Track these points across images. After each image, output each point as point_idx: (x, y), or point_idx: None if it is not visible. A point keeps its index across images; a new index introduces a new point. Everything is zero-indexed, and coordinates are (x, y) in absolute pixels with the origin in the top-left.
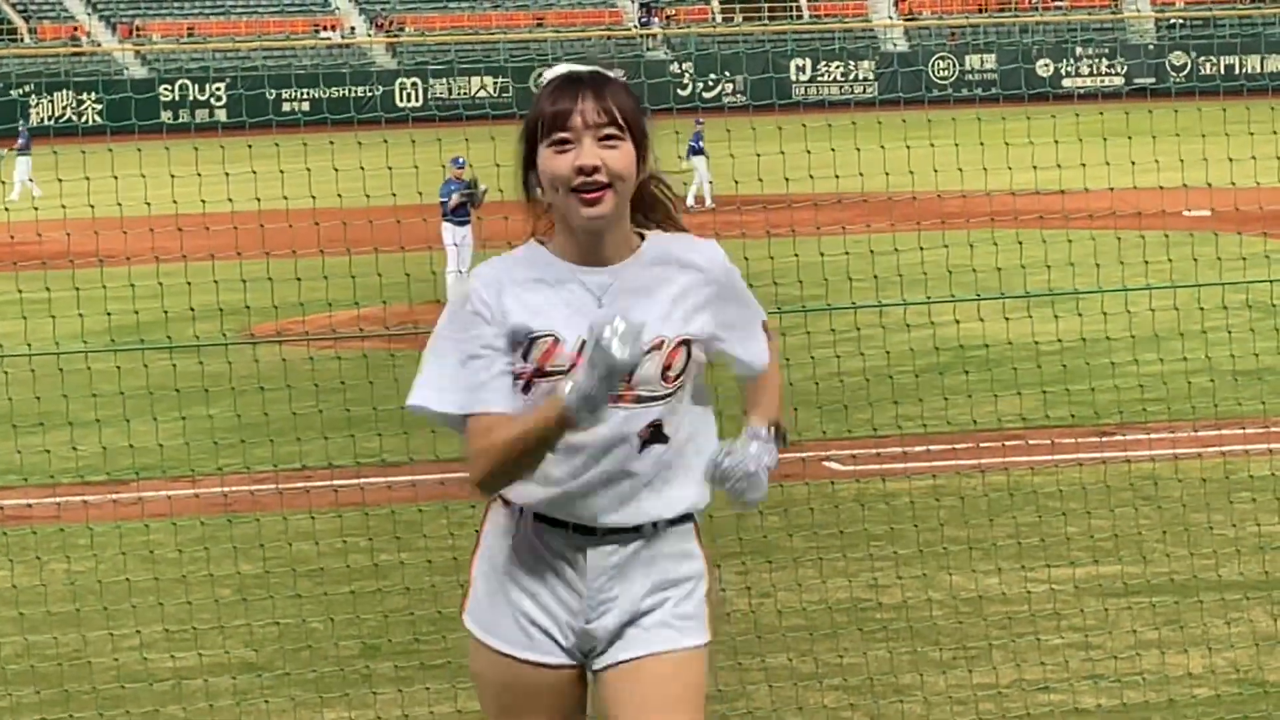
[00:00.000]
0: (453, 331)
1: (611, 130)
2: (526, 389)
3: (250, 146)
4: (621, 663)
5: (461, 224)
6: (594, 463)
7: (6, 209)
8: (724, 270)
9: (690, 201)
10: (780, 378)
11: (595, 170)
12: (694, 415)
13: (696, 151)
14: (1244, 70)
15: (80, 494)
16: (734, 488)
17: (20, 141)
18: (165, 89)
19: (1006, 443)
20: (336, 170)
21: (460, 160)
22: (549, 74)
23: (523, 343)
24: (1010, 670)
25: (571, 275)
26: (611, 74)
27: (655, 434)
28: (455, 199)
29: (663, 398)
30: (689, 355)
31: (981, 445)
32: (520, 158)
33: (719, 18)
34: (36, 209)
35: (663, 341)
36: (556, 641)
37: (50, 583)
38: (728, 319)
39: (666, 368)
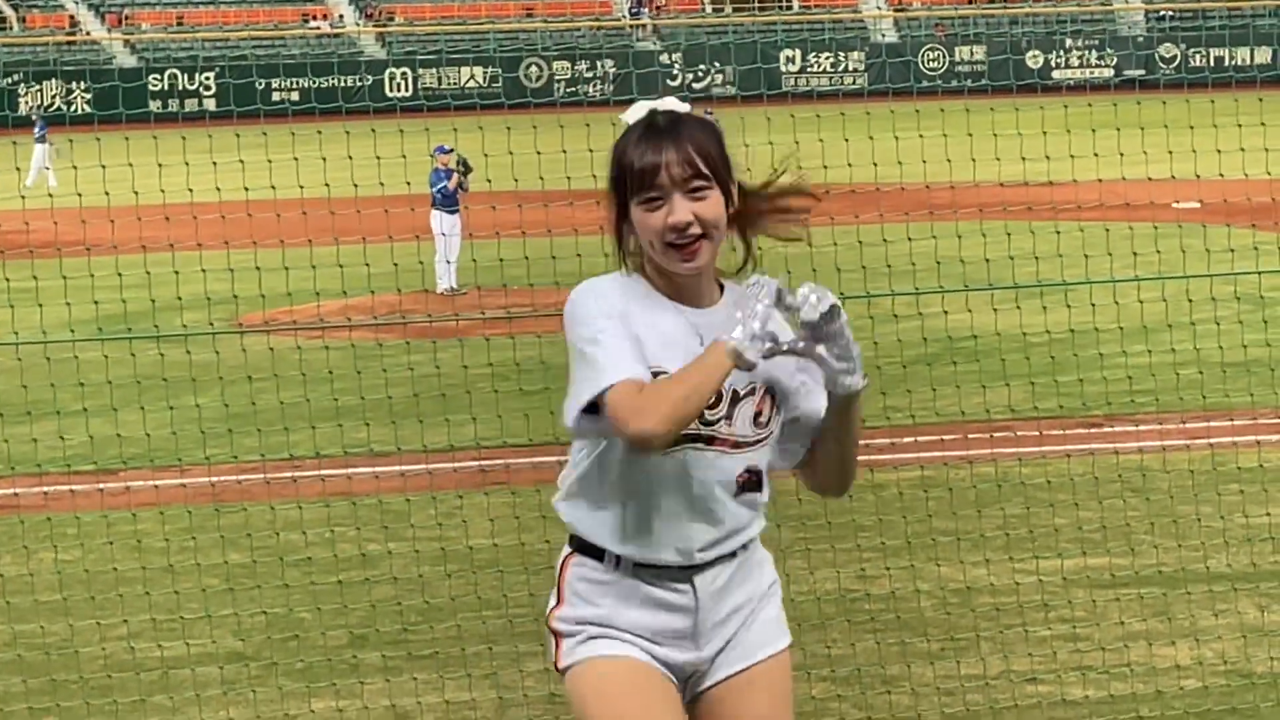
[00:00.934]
0: (600, 326)
1: (700, 183)
2: None
3: (238, 136)
4: (733, 675)
5: (451, 213)
6: (689, 504)
7: (23, 196)
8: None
9: None
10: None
11: (689, 225)
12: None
13: None
14: (1233, 62)
15: (67, 483)
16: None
17: (37, 131)
18: (154, 78)
19: (994, 434)
20: (324, 160)
21: (444, 147)
22: (627, 117)
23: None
24: (998, 661)
25: (674, 308)
26: (687, 111)
27: (753, 482)
28: (455, 179)
29: (754, 443)
30: (774, 400)
31: (969, 437)
32: (612, 210)
33: (709, 8)
34: (51, 196)
35: (754, 387)
36: (669, 665)
37: (37, 572)
38: (803, 386)
39: (758, 414)
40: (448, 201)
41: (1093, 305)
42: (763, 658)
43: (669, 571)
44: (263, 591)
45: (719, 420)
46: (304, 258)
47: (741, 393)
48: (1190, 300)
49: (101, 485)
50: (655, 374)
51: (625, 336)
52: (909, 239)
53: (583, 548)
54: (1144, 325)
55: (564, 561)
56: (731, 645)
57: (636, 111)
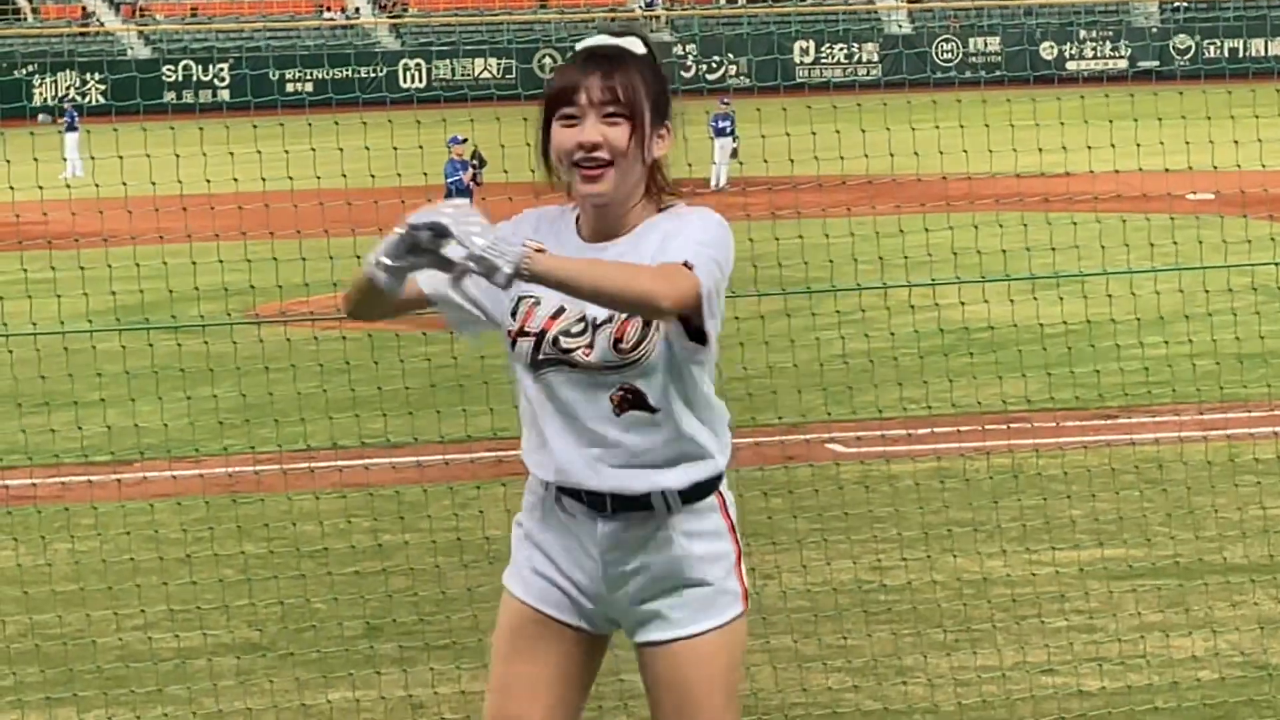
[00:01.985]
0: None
1: (615, 108)
2: (513, 346)
3: (255, 127)
4: (658, 643)
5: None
6: (570, 422)
7: (69, 186)
8: (700, 218)
9: (718, 183)
10: (628, 279)
11: (596, 147)
12: (696, 394)
13: (719, 132)
14: (1249, 53)
15: (85, 474)
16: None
17: (66, 119)
18: (169, 69)
19: (1011, 425)
20: (341, 150)
21: (458, 137)
22: (580, 45)
23: (514, 300)
24: (1014, 653)
25: (575, 243)
26: (637, 50)
27: (635, 401)
28: (470, 172)
29: (619, 367)
30: (646, 324)
31: (986, 427)
32: (539, 130)
33: (722, 0)
34: (68, 186)
35: (614, 314)
36: (576, 604)
37: (55, 562)
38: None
39: (618, 339)
40: (463, 193)
41: (1109, 296)
42: (693, 632)
43: (580, 504)
44: (279, 582)
45: (577, 348)
46: (321, 248)
47: (600, 320)
48: (1207, 291)
49: (118, 476)
50: (525, 297)
51: None
52: (925, 230)
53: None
54: (1160, 316)
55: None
56: (661, 609)
57: (589, 40)
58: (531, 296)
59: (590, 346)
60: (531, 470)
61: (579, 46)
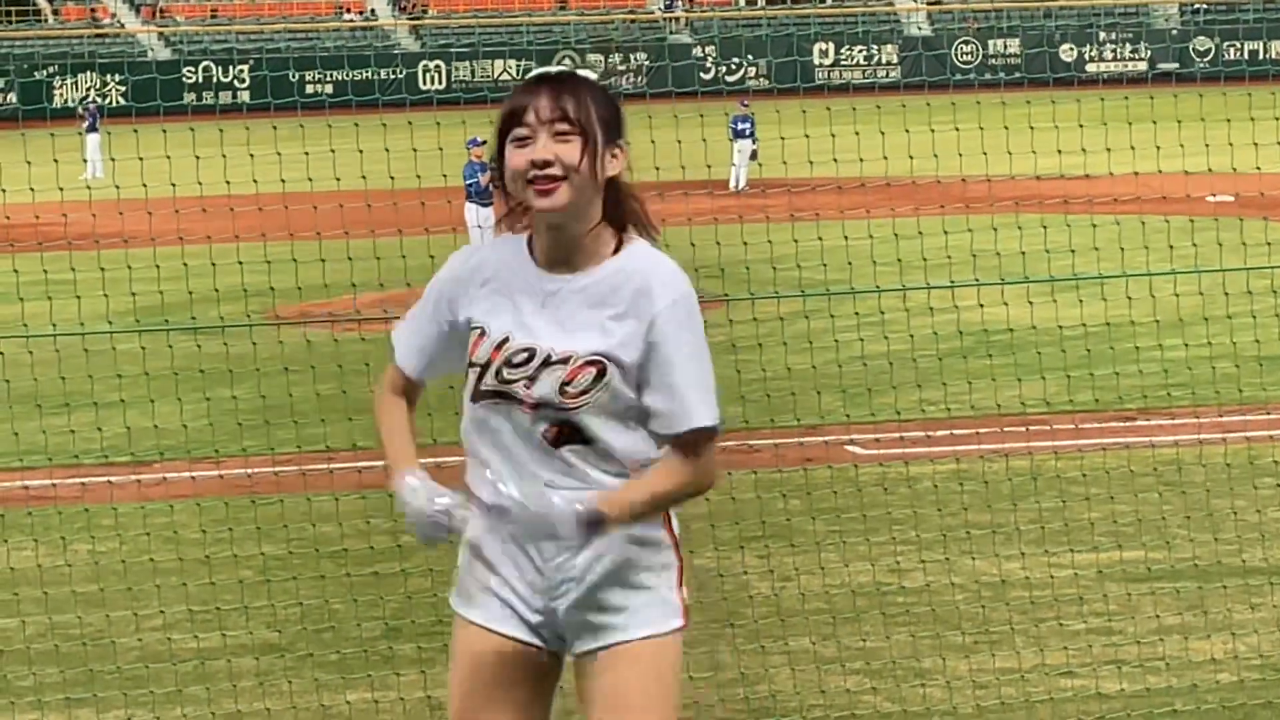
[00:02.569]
0: (427, 294)
1: (565, 126)
2: (470, 377)
3: (275, 128)
4: (594, 650)
5: (485, 205)
6: (507, 456)
7: (89, 187)
8: (676, 319)
9: (737, 184)
10: (665, 489)
11: (548, 164)
12: (637, 416)
13: (738, 134)
14: (1268, 55)
15: (104, 475)
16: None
17: (88, 121)
18: (189, 71)
19: (1030, 427)
20: (361, 152)
21: (477, 139)
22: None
23: (466, 332)
24: (1032, 655)
25: (533, 281)
26: (583, 73)
27: (570, 434)
28: (487, 175)
29: (558, 409)
30: (600, 376)
31: (1005, 429)
32: (495, 155)
33: (742, 1)
34: (89, 188)
35: (570, 356)
36: (523, 619)
37: (74, 563)
38: (649, 374)
39: (566, 383)
40: (482, 195)
41: (1128, 299)
42: (629, 638)
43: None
44: (298, 583)
45: (518, 380)
46: (340, 250)
47: (555, 357)
48: (1226, 294)
49: (138, 476)
50: (474, 327)
51: (429, 319)
52: (945, 232)
53: None
54: (1180, 319)
55: None
56: (597, 618)
57: (541, 67)
58: (479, 327)
59: (531, 381)
60: (474, 492)
61: (531, 73)
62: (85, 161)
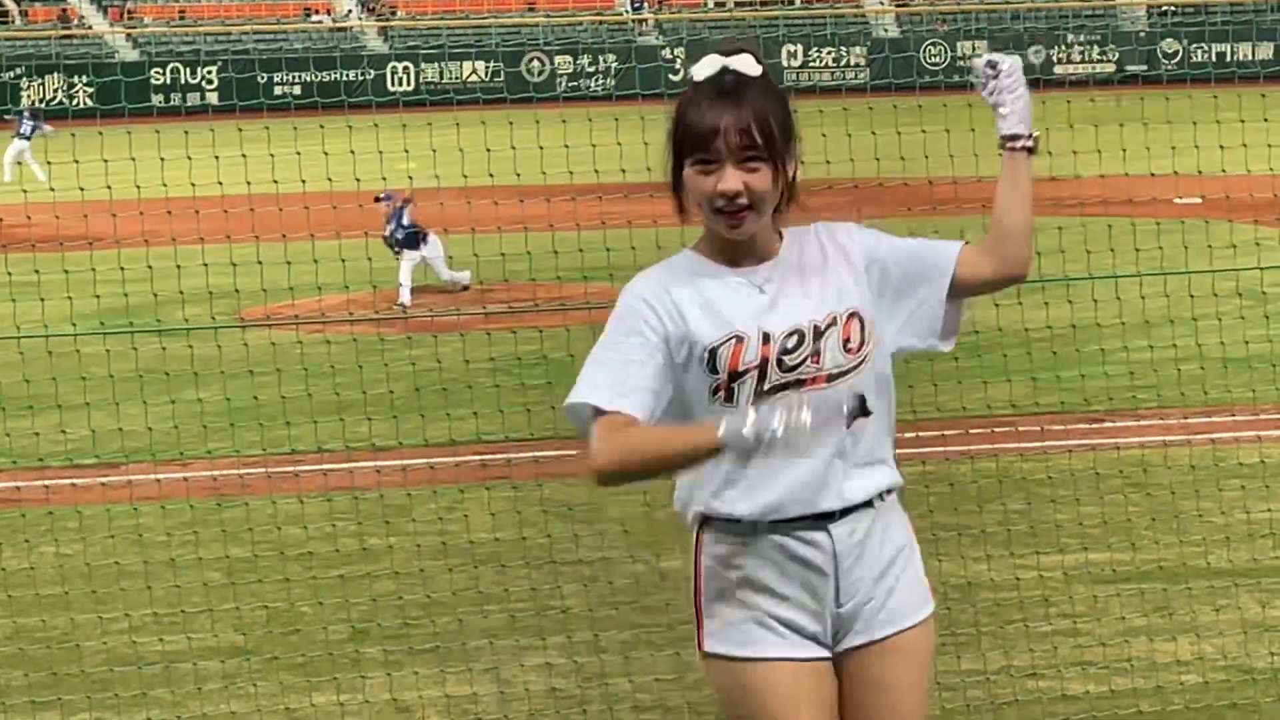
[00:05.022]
0: (616, 337)
1: (753, 153)
2: (729, 397)
3: (241, 130)
4: (877, 641)
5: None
6: (814, 450)
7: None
8: (870, 246)
9: None
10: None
11: (738, 195)
12: (888, 386)
13: None
14: (1235, 58)
15: (69, 477)
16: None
17: (25, 126)
18: (156, 72)
19: (996, 429)
20: (327, 154)
21: (382, 197)
22: (696, 71)
23: (703, 357)
24: (999, 657)
25: (732, 280)
26: (755, 72)
27: (861, 407)
28: (397, 205)
29: (850, 370)
30: (863, 325)
31: (971, 432)
32: (668, 165)
33: (710, 3)
34: (53, 189)
35: (835, 317)
36: (809, 634)
37: (39, 566)
38: (894, 279)
39: (846, 340)
40: (407, 243)
41: (1095, 301)
42: (909, 624)
43: (805, 525)
44: (264, 585)
45: (803, 361)
46: (306, 252)
47: (823, 326)
48: (1192, 296)
49: (103, 479)
50: (719, 347)
51: (629, 361)
52: (911, 234)
53: (706, 522)
54: (1146, 321)
55: (698, 541)
56: (874, 608)
57: (706, 67)
58: (731, 337)
59: (816, 355)
60: (725, 512)
61: (698, 76)
62: (9, 165)
